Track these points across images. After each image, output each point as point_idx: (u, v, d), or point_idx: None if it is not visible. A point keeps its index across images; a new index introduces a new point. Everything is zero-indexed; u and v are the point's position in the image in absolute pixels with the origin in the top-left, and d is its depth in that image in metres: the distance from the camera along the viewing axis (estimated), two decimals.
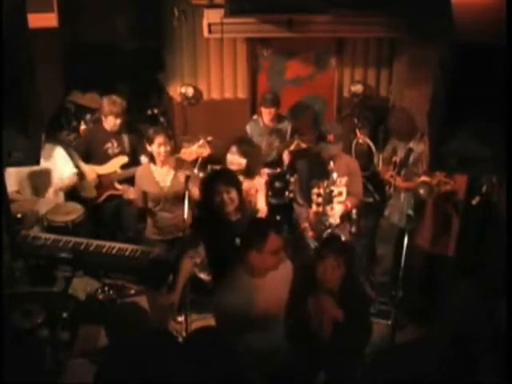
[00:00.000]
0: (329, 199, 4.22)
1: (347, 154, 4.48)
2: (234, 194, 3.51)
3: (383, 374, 1.78)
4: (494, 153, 1.94)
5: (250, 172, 4.11)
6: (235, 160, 4.03)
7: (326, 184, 4.18)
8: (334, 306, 3.13)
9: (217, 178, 3.68)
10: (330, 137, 4.16)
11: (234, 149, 4.06)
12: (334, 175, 4.16)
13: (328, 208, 4.21)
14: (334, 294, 3.18)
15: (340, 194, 4.27)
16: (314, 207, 4.26)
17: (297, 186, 4.44)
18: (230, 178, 3.64)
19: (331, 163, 4.15)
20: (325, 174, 4.21)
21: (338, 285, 3.18)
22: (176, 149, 4.50)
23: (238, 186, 3.63)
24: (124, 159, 4.74)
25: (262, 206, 4.28)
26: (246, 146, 4.14)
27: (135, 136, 4.87)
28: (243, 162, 4.03)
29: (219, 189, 3.51)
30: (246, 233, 2.97)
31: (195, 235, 3.70)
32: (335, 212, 4.25)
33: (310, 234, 4.30)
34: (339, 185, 4.25)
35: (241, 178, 4.07)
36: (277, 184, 5.22)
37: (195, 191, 3.99)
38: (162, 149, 4.15)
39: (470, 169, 2.17)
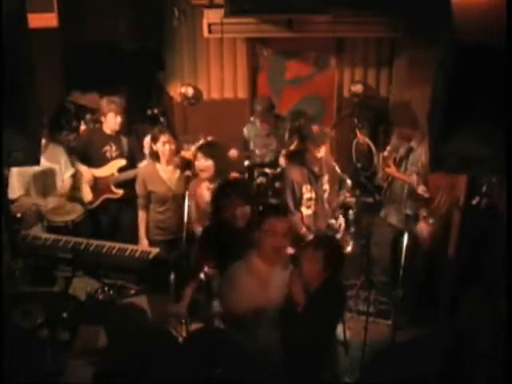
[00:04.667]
0: (319, 199, 4.30)
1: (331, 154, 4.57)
2: (247, 208, 3.42)
3: (383, 373, 1.78)
4: (494, 153, 1.94)
5: (220, 172, 4.09)
6: (202, 164, 4.03)
7: (315, 187, 4.28)
8: (300, 287, 3.01)
9: (230, 190, 3.56)
10: (315, 128, 4.26)
11: (198, 155, 4.05)
12: (322, 178, 4.29)
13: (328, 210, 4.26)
14: (310, 288, 3.08)
15: (325, 191, 4.37)
16: (305, 210, 4.30)
17: (288, 193, 4.41)
18: (244, 191, 3.55)
19: (317, 166, 4.24)
20: (315, 176, 4.29)
21: (314, 282, 3.07)
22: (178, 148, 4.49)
23: (251, 199, 3.58)
24: (122, 162, 4.70)
25: None
26: (208, 148, 4.13)
27: (134, 139, 4.86)
28: (210, 163, 4.01)
29: (232, 202, 3.42)
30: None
31: (205, 245, 3.66)
32: (340, 220, 4.35)
33: (310, 237, 4.32)
34: (324, 183, 4.35)
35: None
36: (277, 184, 5.22)
37: (199, 192, 4.01)
38: (167, 147, 4.18)
39: (470, 169, 2.17)
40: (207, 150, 4.06)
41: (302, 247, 3.27)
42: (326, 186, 4.36)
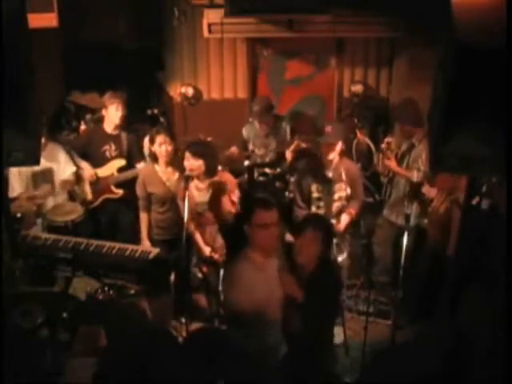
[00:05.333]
0: (329, 203, 4.25)
1: (348, 158, 4.45)
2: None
3: (383, 373, 1.78)
4: (494, 153, 1.94)
5: (210, 171, 4.05)
6: (192, 164, 3.97)
7: (326, 189, 4.22)
8: (294, 284, 3.09)
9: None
10: (328, 128, 4.21)
11: (186, 154, 3.98)
12: (335, 184, 4.21)
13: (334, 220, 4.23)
14: (306, 273, 3.16)
15: (340, 198, 4.28)
16: (314, 209, 4.27)
17: (296, 188, 4.43)
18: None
19: (330, 170, 4.20)
20: (325, 178, 4.24)
21: (312, 263, 3.17)
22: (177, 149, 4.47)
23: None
24: (121, 162, 4.70)
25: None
26: (198, 146, 4.06)
27: (134, 139, 4.85)
28: (200, 163, 3.97)
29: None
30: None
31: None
32: (341, 222, 4.27)
33: None
34: (339, 190, 4.26)
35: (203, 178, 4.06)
36: (277, 184, 5.23)
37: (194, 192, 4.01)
38: (163, 148, 4.16)
39: (470, 169, 2.17)
40: (196, 149, 4.00)
41: (298, 231, 3.29)
42: (342, 194, 4.27)
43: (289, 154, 5.16)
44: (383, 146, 4.68)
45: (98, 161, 4.70)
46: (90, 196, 4.72)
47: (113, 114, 4.63)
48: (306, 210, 4.32)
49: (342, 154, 4.29)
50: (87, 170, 4.66)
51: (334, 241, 4.03)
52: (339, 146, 4.21)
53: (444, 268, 4.23)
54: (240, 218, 3.04)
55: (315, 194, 4.27)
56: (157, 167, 4.27)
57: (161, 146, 4.16)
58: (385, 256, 4.76)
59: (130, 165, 4.71)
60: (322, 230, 3.21)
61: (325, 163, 4.25)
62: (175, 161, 4.27)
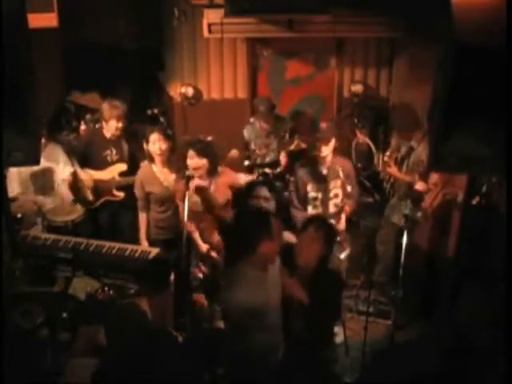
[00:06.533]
0: (326, 201, 4.25)
1: (341, 156, 4.45)
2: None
3: (383, 373, 1.78)
4: (494, 153, 1.94)
5: (213, 170, 4.04)
6: (196, 163, 3.94)
7: (322, 188, 4.24)
8: (298, 287, 3.11)
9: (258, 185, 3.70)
10: (323, 125, 4.24)
11: (191, 153, 3.94)
12: (330, 181, 4.23)
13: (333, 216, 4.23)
14: (307, 273, 3.18)
15: (336, 195, 4.29)
16: (311, 209, 4.28)
17: (293, 188, 4.43)
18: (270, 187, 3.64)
19: (325, 167, 4.21)
20: (321, 177, 4.24)
21: (313, 262, 3.21)
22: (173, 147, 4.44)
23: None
24: (123, 167, 4.67)
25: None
26: (202, 145, 4.03)
27: (135, 144, 4.83)
28: (204, 162, 3.95)
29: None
30: (252, 225, 2.94)
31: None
32: (341, 221, 4.26)
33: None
34: (334, 187, 4.27)
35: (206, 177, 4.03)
36: (277, 184, 5.23)
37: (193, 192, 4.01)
38: (157, 146, 4.12)
39: (470, 169, 2.17)
40: (201, 147, 3.98)
41: (299, 232, 3.32)
42: (338, 191, 4.28)
43: (283, 158, 5.16)
44: (385, 158, 4.70)
45: (99, 164, 4.66)
46: (90, 197, 4.71)
47: (113, 127, 4.57)
48: (302, 210, 4.32)
49: (336, 151, 4.30)
50: (86, 180, 4.62)
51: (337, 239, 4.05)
52: (332, 142, 4.20)
53: (444, 267, 4.23)
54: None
55: (311, 194, 4.28)
56: (154, 167, 4.25)
57: (155, 143, 4.13)
58: (386, 255, 4.76)
59: (132, 169, 4.69)
60: (322, 230, 3.23)
61: (319, 160, 4.25)
62: (173, 160, 4.26)
